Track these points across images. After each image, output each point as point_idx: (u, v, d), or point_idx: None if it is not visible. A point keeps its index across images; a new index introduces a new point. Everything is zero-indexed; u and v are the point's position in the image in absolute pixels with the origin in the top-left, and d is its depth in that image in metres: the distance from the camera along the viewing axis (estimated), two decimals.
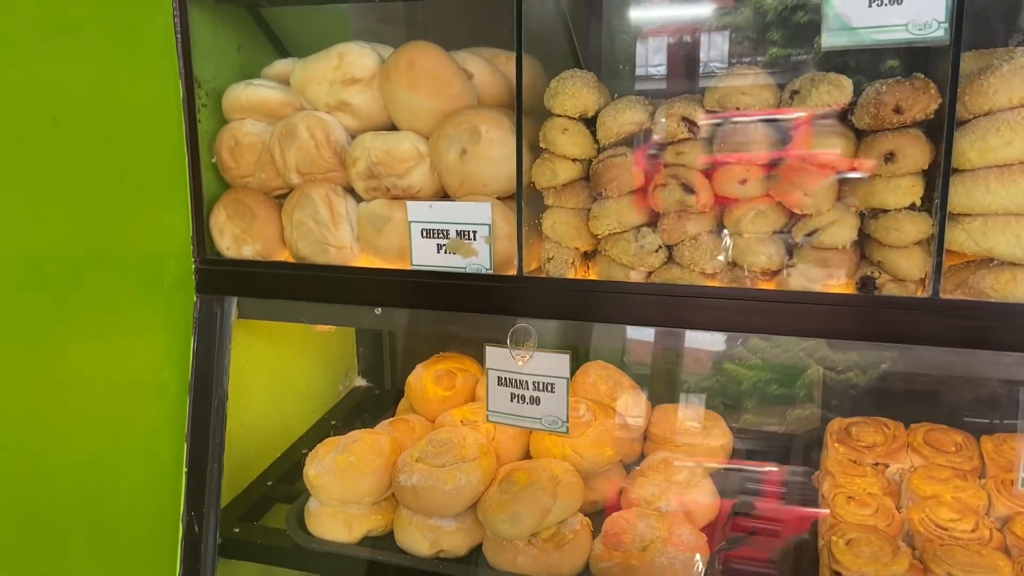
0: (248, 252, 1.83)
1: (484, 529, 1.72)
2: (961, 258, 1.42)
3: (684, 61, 1.92)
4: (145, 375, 1.74)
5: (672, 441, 1.99)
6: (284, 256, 1.86)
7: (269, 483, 2.06)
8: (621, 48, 1.96)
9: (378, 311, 1.75)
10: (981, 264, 1.37)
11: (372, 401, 2.53)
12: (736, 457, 2.04)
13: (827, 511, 1.69)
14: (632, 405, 2.03)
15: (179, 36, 1.75)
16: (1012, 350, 1.34)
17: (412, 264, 1.68)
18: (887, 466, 1.82)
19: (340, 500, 1.78)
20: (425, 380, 2.14)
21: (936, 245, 1.35)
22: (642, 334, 1.93)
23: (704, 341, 2.15)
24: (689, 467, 1.84)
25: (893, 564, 1.49)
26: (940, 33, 1.28)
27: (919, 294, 1.39)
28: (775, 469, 1.99)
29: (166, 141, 1.77)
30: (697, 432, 1.99)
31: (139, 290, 1.72)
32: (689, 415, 2.04)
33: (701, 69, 1.90)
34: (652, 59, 1.95)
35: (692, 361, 2.24)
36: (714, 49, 1.90)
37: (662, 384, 2.27)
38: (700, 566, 1.61)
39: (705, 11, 1.89)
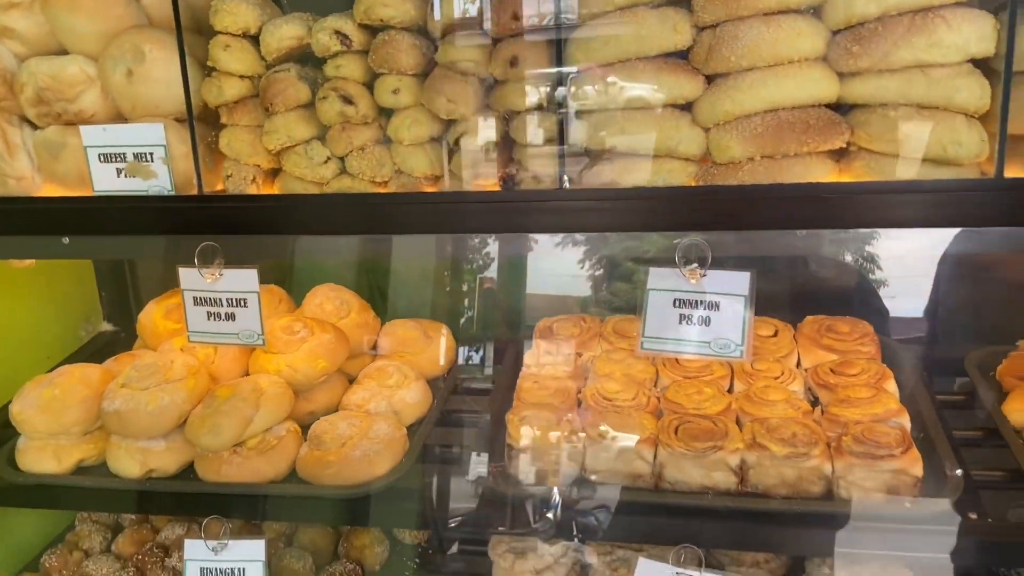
0: None
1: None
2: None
3: None
4: None
5: (396, 351, 2.10)
6: None
7: None
8: None
9: (66, 240, 1.73)
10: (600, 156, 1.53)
11: (120, 345, 2.48)
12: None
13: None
14: (359, 321, 2.12)
15: None
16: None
17: (94, 190, 1.67)
18: (580, 354, 2.02)
19: (47, 433, 1.78)
20: (155, 316, 2.14)
21: (558, 140, 1.50)
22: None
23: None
24: (402, 371, 1.96)
25: (555, 432, 1.67)
26: None
27: (553, 188, 1.54)
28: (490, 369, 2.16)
29: None
30: (419, 341, 2.11)
31: None
32: (414, 326, 2.15)
33: None
34: None
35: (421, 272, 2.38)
36: None
37: (404, 299, 2.39)
38: (397, 455, 1.73)
39: None
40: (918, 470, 1.50)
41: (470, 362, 2.26)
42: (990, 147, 1.35)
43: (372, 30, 1.57)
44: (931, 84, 1.35)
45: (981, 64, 1.35)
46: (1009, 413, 1.68)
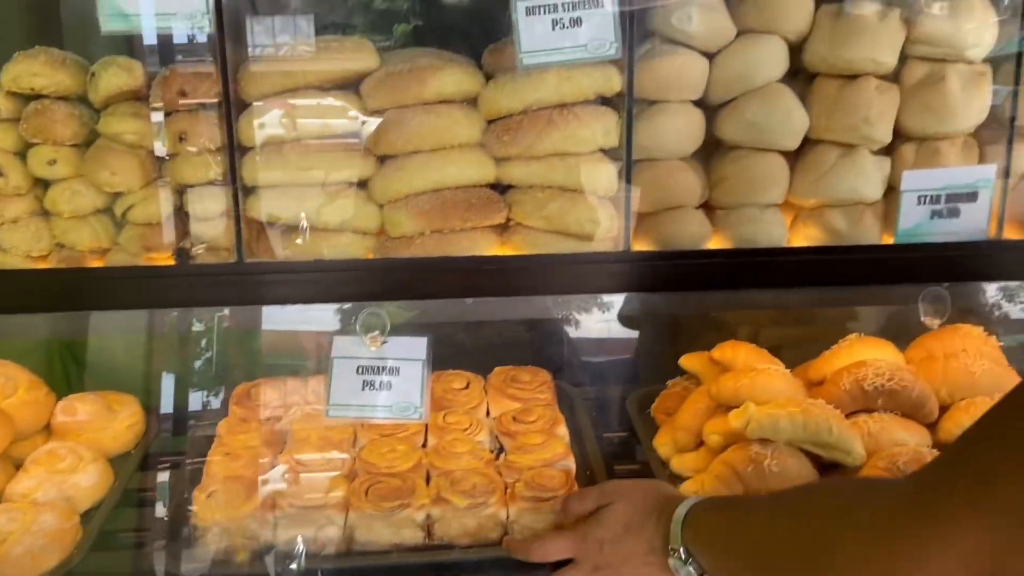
0: None
1: None
2: None
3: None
4: None
5: (74, 430, 1.94)
6: None
7: None
8: None
9: None
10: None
11: None
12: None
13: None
14: (27, 399, 1.93)
15: None
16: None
17: None
18: (280, 419, 2.00)
19: None
20: None
21: (235, 214, 1.51)
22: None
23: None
24: (77, 453, 1.81)
25: (244, 506, 1.65)
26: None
27: (229, 261, 1.54)
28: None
29: None
30: (101, 416, 1.97)
31: None
32: (95, 400, 2.00)
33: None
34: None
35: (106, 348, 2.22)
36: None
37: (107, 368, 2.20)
38: (67, 547, 1.60)
39: None
40: None
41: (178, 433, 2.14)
42: (618, 224, 1.57)
43: (24, 98, 1.48)
44: (569, 170, 1.55)
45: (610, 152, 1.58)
46: (658, 447, 1.93)
